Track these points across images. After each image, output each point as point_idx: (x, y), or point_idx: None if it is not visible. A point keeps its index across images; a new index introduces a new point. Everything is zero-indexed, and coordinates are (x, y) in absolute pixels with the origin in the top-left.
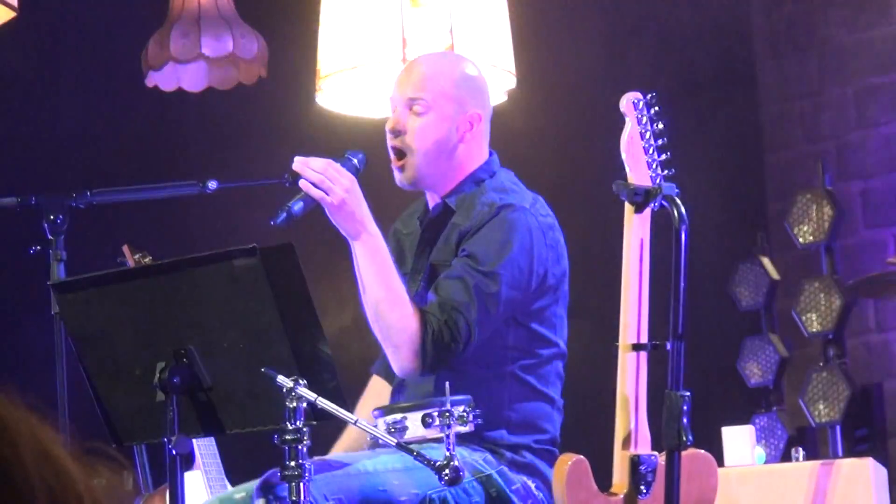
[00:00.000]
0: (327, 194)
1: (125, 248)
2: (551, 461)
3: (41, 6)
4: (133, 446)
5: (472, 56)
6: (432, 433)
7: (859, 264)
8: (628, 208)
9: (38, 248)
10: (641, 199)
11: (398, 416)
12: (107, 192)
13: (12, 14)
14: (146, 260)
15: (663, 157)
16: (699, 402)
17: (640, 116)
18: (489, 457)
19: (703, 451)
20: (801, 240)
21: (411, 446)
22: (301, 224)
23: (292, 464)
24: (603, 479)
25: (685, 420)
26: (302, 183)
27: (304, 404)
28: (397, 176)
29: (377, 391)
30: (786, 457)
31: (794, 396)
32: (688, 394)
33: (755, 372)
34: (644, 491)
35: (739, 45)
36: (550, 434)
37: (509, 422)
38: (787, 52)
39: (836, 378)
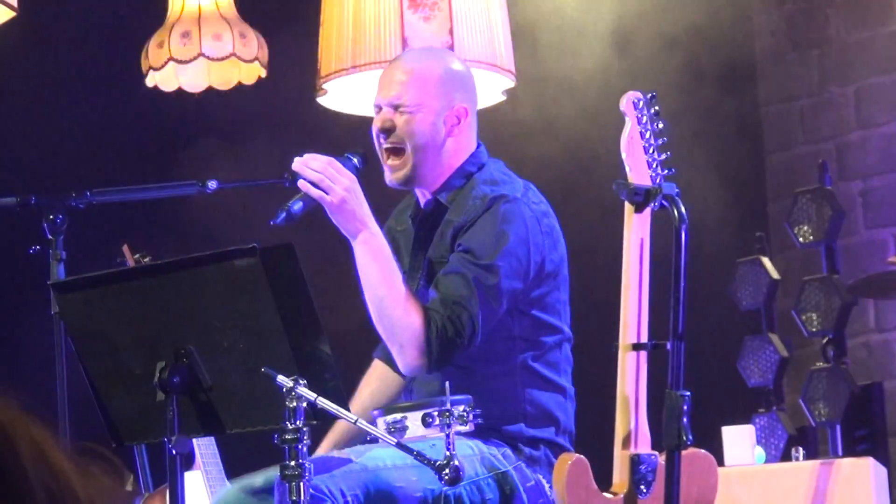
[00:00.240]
0: (327, 193)
1: (125, 248)
2: None
3: (41, 6)
4: (133, 446)
5: (472, 56)
6: (432, 433)
7: (859, 264)
8: (628, 208)
9: (38, 247)
10: (641, 198)
11: (398, 416)
12: (106, 192)
13: (12, 14)
14: (146, 260)
15: (663, 156)
16: (699, 402)
17: (640, 116)
18: (508, 451)
19: (703, 451)
20: (801, 239)
21: (420, 444)
22: (302, 223)
23: (292, 463)
24: (603, 478)
25: (685, 420)
26: (301, 183)
27: (304, 404)
28: (388, 175)
29: (377, 375)
30: (786, 457)
31: (795, 396)
32: (688, 393)
33: (755, 372)
34: (644, 490)
35: (740, 44)
36: (563, 424)
37: (527, 415)
38: (787, 53)
39: (836, 378)
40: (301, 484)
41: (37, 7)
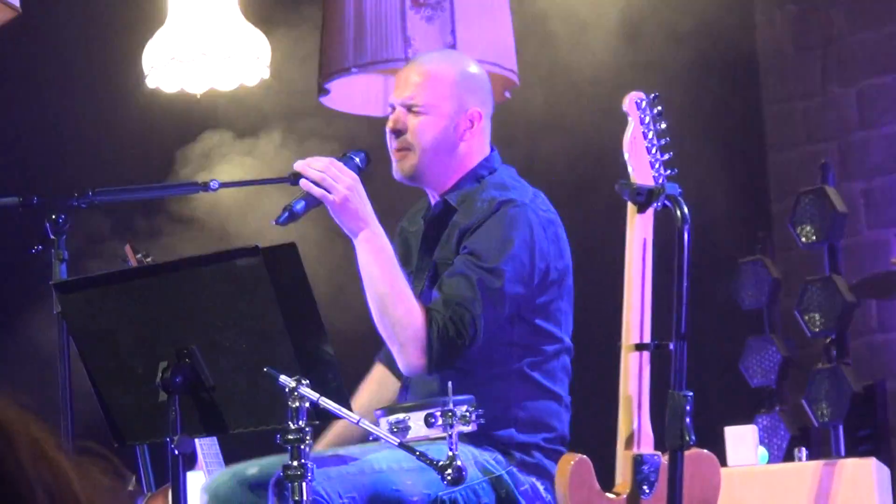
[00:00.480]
0: (330, 193)
1: (127, 248)
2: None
3: (43, 5)
4: (135, 446)
5: (475, 56)
6: (435, 433)
7: (862, 264)
8: (631, 208)
9: (41, 247)
10: (644, 198)
11: (401, 416)
12: (109, 192)
13: (15, 13)
14: (148, 260)
15: (666, 156)
16: (702, 402)
17: (642, 116)
18: (500, 457)
19: (705, 451)
20: (803, 239)
21: (420, 445)
22: (304, 223)
23: (295, 463)
24: (606, 478)
25: (688, 420)
26: (303, 182)
27: (307, 404)
28: (395, 168)
29: (377, 378)
30: (788, 457)
31: (797, 396)
32: (690, 394)
33: (758, 372)
34: (647, 491)
35: (743, 45)
36: (559, 432)
37: (518, 420)
38: (790, 53)
39: (838, 378)
40: (304, 484)
41: (39, 6)
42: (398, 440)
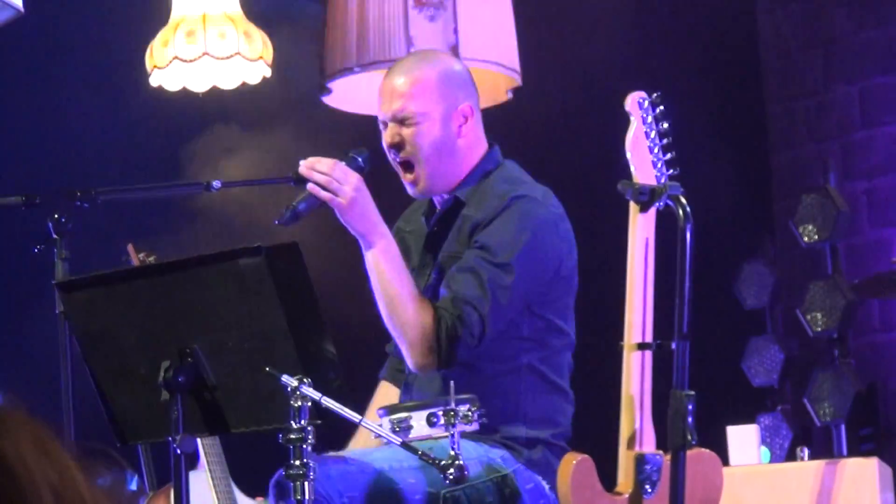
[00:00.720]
0: (336, 195)
1: (130, 248)
2: None
3: (47, 5)
4: (138, 445)
5: (477, 55)
6: (437, 432)
7: (864, 263)
8: (633, 207)
9: (43, 246)
10: (646, 198)
11: (403, 415)
12: (111, 192)
13: (17, 13)
14: (151, 259)
15: (668, 156)
16: (704, 402)
17: (644, 115)
18: (507, 454)
19: (707, 451)
20: (805, 239)
21: (424, 443)
22: (307, 222)
23: (297, 463)
24: (608, 478)
25: (690, 419)
26: (311, 186)
27: (309, 403)
28: (410, 190)
29: (385, 396)
30: (790, 456)
31: (799, 396)
32: (692, 393)
33: (760, 371)
34: (649, 490)
35: (745, 43)
36: (563, 427)
37: (526, 416)
38: (792, 51)
39: (840, 377)
40: (305, 483)
41: (43, 6)
42: (400, 439)
